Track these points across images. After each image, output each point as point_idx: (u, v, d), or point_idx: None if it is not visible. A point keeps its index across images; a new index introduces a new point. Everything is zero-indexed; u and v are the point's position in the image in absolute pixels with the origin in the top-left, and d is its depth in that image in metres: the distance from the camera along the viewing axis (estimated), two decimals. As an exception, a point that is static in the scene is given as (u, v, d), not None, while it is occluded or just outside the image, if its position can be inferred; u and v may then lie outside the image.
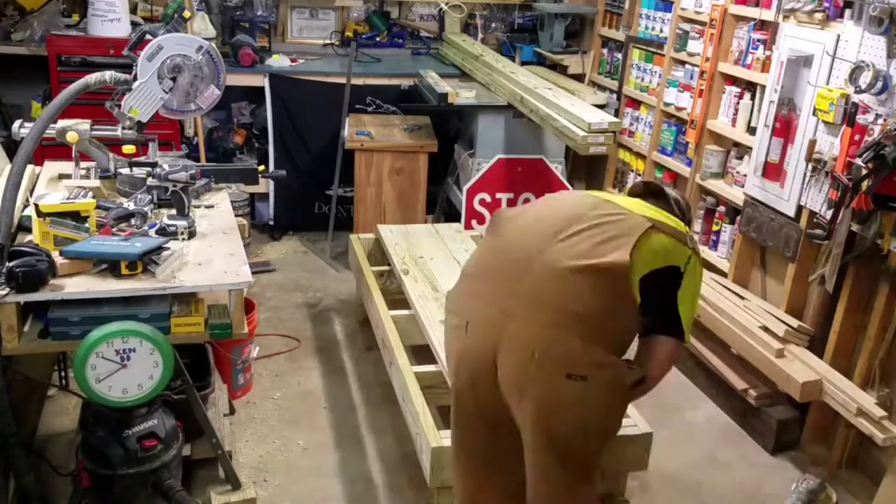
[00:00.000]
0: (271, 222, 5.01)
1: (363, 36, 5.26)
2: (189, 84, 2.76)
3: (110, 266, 2.25)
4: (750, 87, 3.69)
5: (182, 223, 2.51)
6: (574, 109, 3.70)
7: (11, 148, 2.88)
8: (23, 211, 2.55)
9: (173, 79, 2.70)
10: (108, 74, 2.67)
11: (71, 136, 2.77)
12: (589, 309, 1.94)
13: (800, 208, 3.28)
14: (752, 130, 3.62)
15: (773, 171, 3.41)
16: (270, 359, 3.70)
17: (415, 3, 5.45)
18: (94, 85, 2.63)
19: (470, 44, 5.11)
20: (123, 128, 2.73)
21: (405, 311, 3.30)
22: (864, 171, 2.81)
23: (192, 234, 2.54)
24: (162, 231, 2.48)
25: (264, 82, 4.72)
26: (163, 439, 2.30)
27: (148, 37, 2.79)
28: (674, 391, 3.71)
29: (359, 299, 3.99)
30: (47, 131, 2.88)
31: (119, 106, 2.69)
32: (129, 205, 2.61)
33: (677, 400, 3.64)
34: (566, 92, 4.13)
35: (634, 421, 2.64)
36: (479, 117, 4.36)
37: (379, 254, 3.92)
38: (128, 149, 2.86)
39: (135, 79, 2.68)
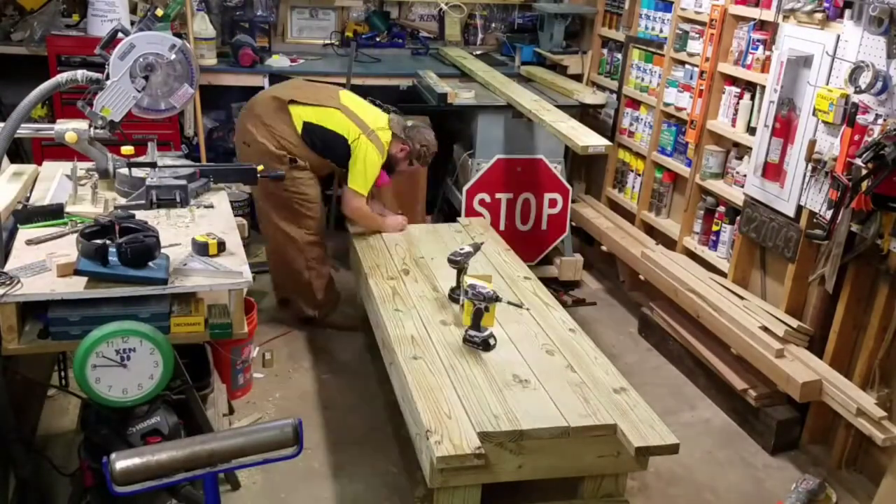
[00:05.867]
0: (271, 223, 5.00)
1: (363, 36, 5.26)
2: (162, 83, 2.76)
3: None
4: (750, 87, 3.69)
5: None
6: (570, 133, 3.69)
7: (10, 149, 2.88)
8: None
9: (146, 77, 2.69)
10: (80, 73, 2.65)
11: (70, 137, 2.77)
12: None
13: (800, 208, 3.28)
14: (751, 130, 3.62)
15: (772, 171, 3.41)
16: (270, 359, 3.70)
17: (415, 3, 5.45)
18: (65, 84, 2.61)
19: (463, 57, 5.10)
20: (95, 127, 2.72)
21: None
22: (864, 172, 2.82)
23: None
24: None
25: (264, 82, 4.70)
26: (166, 436, 2.29)
27: (120, 35, 2.78)
28: (673, 391, 3.72)
29: (359, 299, 3.99)
30: (46, 132, 2.90)
31: (91, 105, 2.67)
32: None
33: (677, 400, 3.65)
34: (561, 111, 4.10)
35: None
36: (478, 117, 4.36)
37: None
38: (126, 149, 2.86)
39: (107, 78, 2.67)
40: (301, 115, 3.68)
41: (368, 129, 3.69)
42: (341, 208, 3.84)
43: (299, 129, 3.67)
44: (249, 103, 3.85)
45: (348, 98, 3.82)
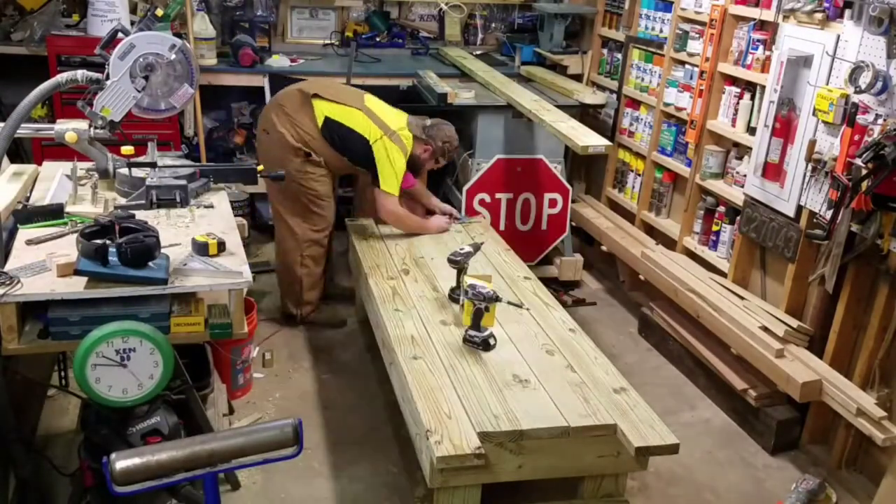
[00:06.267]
0: (271, 222, 5.00)
1: (363, 36, 5.26)
2: (162, 83, 2.76)
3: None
4: (750, 87, 3.69)
5: None
6: (570, 133, 3.70)
7: (10, 149, 2.88)
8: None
9: (146, 77, 2.69)
10: (80, 73, 2.66)
11: (70, 137, 2.77)
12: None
13: (800, 208, 3.28)
14: (751, 130, 3.62)
15: (772, 171, 3.41)
16: (270, 359, 3.70)
17: (415, 3, 5.45)
18: (65, 84, 2.62)
19: (463, 57, 5.11)
20: (95, 127, 2.72)
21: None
22: (864, 172, 2.81)
23: None
24: None
25: (264, 82, 4.71)
26: (166, 436, 2.29)
27: (120, 35, 2.78)
28: (673, 391, 3.72)
29: (359, 299, 3.99)
30: (46, 132, 2.90)
31: (91, 105, 2.68)
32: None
33: (677, 400, 3.65)
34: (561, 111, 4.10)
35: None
36: (478, 117, 4.36)
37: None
38: (126, 149, 2.86)
39: (107, 78, 2.67)
40: (324, 109, 3.72)
41: (390, 130, 3.71)
42: (378, 214, 3.85)
43: (320, 122, 3.71)
44: (276, 95, 3.92)
45: (372, 101, 3.84)
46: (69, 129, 2.79)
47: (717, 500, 3.04)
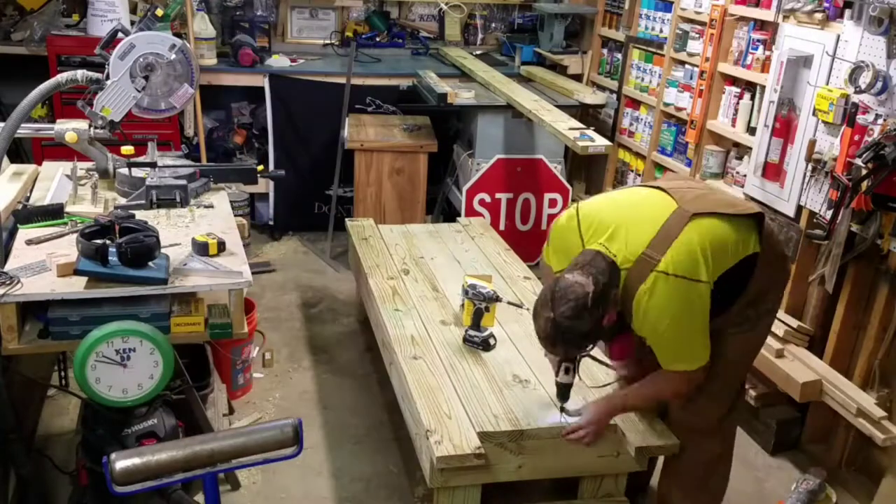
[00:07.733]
0: (271, 222, 5.02)
1: (363, 36, 5.26)
2: (162, 83, 2.76)
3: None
4: (750, 87, 3.69)
5: None
6: (570, 133, 3.71)
7: (10, 149, 2.88)
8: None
9: (146, 77, 2.69)
10: (80, 73, 2.66)
11: (70, 137, 2.78)
12: None
13: (800, 208, 3.28)
14: (751, 130, 3.62)
15: (772, 171, 3.41)
16: (270, 359, 3.70)
17: (415, 3, 5.46)
18: (65, 84, 2.62)
19: (463, 57, 5.12)
20: (95, 127, 2.73)
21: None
22: (864, 172, 2.81)
23: None
24: None
25: (264, 82, 4.72)
26: (162, 439, 2.29)
27: (120, 35, 2.78)
28: (674, 391, 3.71)
29: (359, 299, 3.99)
30: (46, 132, 2.90)
31: (91, 105, 2.68)
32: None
33: (677, 400, 3.64)
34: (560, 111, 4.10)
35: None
36: (478, 117, 4.36)
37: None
38: (126, 149, 2.86)
39: (107, 78, 2.67)
40: None
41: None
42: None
43: None
44: None
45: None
46: (69, 129, 2.79)
47: (717, 500, 3.03)
